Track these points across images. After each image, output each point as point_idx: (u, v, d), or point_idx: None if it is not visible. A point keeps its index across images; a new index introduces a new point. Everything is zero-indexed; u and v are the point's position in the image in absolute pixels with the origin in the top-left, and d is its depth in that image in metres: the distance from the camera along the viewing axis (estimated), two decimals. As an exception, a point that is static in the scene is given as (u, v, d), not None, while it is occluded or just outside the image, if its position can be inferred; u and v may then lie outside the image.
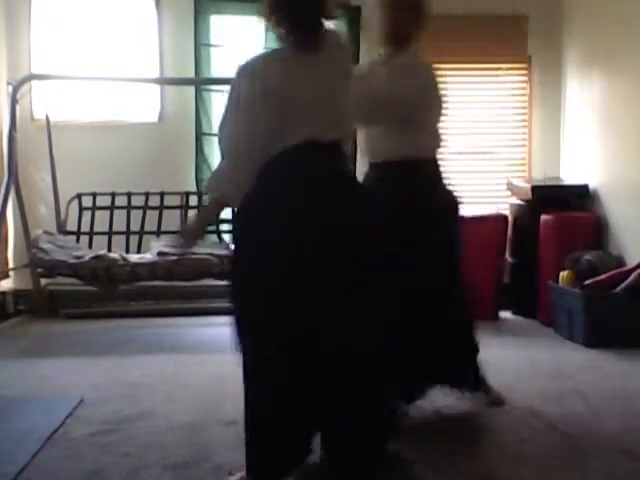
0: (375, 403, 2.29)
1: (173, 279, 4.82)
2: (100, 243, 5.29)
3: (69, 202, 5.39)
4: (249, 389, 2.28)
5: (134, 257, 4.92)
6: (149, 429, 2.90)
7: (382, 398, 2.33)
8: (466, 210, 5.52)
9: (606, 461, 2.55)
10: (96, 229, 5.40)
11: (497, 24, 5.85)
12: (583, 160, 5.50)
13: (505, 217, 5.43)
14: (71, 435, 2.84)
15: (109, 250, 5.13)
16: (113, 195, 5.44)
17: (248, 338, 2.28)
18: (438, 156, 3.07)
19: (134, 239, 5.38)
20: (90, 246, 5.29)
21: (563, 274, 4.70)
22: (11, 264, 5.53)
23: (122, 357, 4.16)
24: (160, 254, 4.79)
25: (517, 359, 4.05)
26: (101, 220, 5.39)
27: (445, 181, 3.09)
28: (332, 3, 2.30)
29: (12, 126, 5.05)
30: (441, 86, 3.08)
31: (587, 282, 4.48)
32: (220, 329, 4.93)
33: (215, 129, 5.73)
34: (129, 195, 5.45)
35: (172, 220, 5.43)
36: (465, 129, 5.92)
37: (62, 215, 5.36)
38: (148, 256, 4.89)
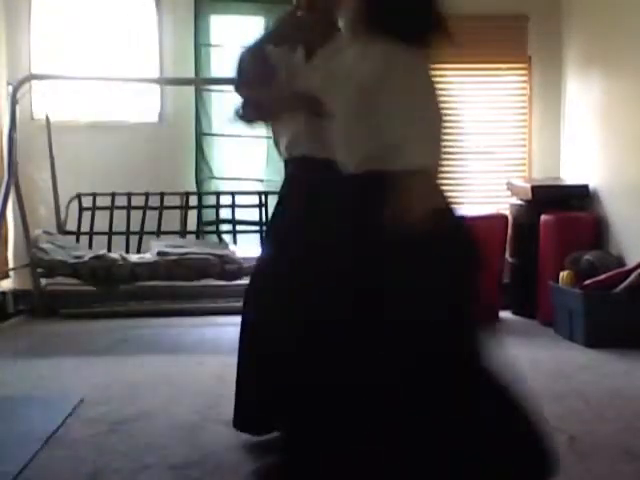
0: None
1: (173, 279, 4.82)
2: (100, 243, 5.29)
3: (69, 202, 5.39)
4: None
5: (134, 257, 4.92)
6: (149, 429, 2.90)
7: None
8: (466, 210, 5.60)
9: (606, 461, 2.55)
10: (96, 229, 5.39)
11: (497, 24, 5.85)
12: (583, 160, 5.50)
13: (505, 217, 5.43)
14: (71, 435, 2.84)
15: (109, 250, 5.13)
16: (113, 195, 5.44)
17: None
18: None
19: (134, 239, 5.38)
20: (90, 246, 5.28)
21: (563, 274, 4.70)
22: (11, 264, 5.53)
23: (122, 357, 4.16)
24: (160, 254, 4.80)
25: (517, 359, 4.04)
26: (101, 220, 5.39)
27: None
28: None
29: (12, 126, 5.04)
30: None
31: (587, 282, 4.48)
32: (220, 329, 4.97)
33: (215, 129, 5.79)
34: (129, 195, 5.44)
35: (172, 220, 5.43)
36: (465, 129, 5.92)
37: (62, 215, 5.36)
38: (148, 256, 4.89)
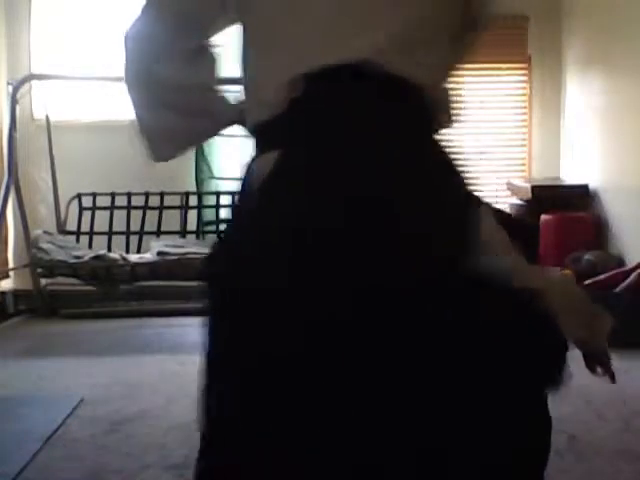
0: None
1: (173, 279, 4.81)
2: (100, 243, 5.28)
3: (69, 202, 5.39)
4: None
5: (134, 257, 4.91)
6: (149, 429, 2.90)
7: None
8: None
9: (606, 461, 2.55)
10: (96, 229, 5.39)
11: (497, 24, 5.85)
12: (583, 160, 5.50)
13: (505, 217, 5.43)
14: (71, 435, 2.84)
15: (109, 250, 5.12)
16: (113, 195, 5.43)
17: None
18: None
19: (134, 239, 5.38)
20: (90, 246, 5.28)
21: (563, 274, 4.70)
22: (11, 264, 5.52)
23: (122, 357, 4.16)
24: (160, 254, 4.79)
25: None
26: (101, 220, 5.39)
27: None
28: None
29: (12, 126, 5.04)
30: None
31: (587, 282, 4.48)
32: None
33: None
34: (129, 195, 5.44)
35: (172, 220, 5.43)
36: (465, 129, 5.92)
37: (62, 215, 5.36)
38: (148, 256, 4.89)
